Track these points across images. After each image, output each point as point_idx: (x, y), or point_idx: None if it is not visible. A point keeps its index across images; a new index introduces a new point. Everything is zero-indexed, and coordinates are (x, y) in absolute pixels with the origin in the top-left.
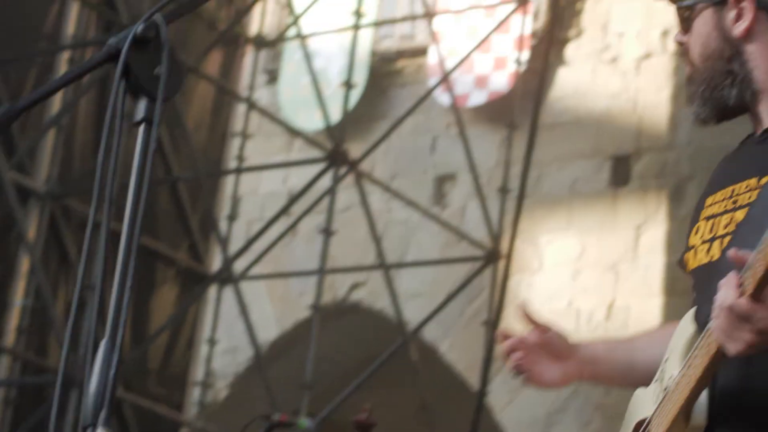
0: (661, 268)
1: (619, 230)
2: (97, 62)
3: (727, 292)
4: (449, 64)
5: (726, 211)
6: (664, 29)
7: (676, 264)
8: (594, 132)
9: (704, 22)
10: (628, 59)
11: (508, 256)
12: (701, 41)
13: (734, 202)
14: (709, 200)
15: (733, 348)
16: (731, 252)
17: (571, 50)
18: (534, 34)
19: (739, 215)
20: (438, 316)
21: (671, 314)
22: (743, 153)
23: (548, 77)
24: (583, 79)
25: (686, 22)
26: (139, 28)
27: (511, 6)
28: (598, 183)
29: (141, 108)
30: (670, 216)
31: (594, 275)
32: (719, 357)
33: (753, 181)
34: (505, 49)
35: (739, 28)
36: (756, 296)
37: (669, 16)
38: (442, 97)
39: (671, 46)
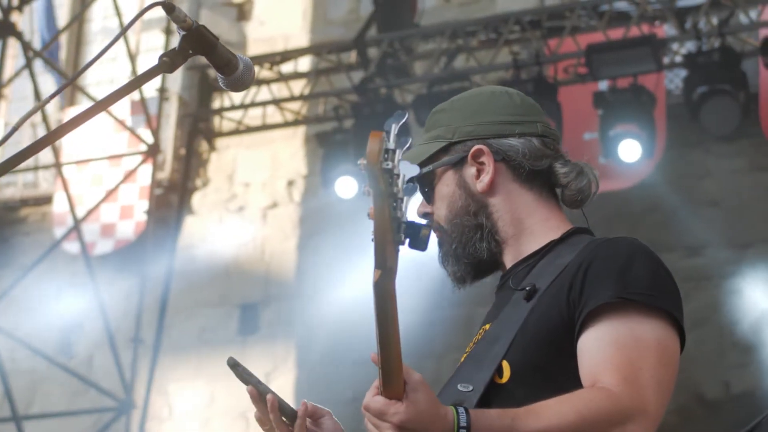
0: None
1: None
2: None
3: (367, 395)
4: (75, 213)
5: (472, 345)
6: (289, 179)
7: None
8: (222, 280)
9: (446, 183)
10: (255, 209)
11: (145, 406)
12: (447, 203)
13: (474, 342)
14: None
15: None
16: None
17: (197, 199)
18: (160, 184)
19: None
20: None
21: None
22: (497, 296)
23: (176, 226)
24: (211, 228)
25: (429, 190)
26: None
27: (138, 157)
28: (226, 331)
29: None
30: (299, 364)
31: (224, 423)
32: None
33: (487, 326)
34: (131, 198)
35: (482, 183)
36: (391, 393)
37: (294, 166)
38: (67, 246)
39: (297, 196)
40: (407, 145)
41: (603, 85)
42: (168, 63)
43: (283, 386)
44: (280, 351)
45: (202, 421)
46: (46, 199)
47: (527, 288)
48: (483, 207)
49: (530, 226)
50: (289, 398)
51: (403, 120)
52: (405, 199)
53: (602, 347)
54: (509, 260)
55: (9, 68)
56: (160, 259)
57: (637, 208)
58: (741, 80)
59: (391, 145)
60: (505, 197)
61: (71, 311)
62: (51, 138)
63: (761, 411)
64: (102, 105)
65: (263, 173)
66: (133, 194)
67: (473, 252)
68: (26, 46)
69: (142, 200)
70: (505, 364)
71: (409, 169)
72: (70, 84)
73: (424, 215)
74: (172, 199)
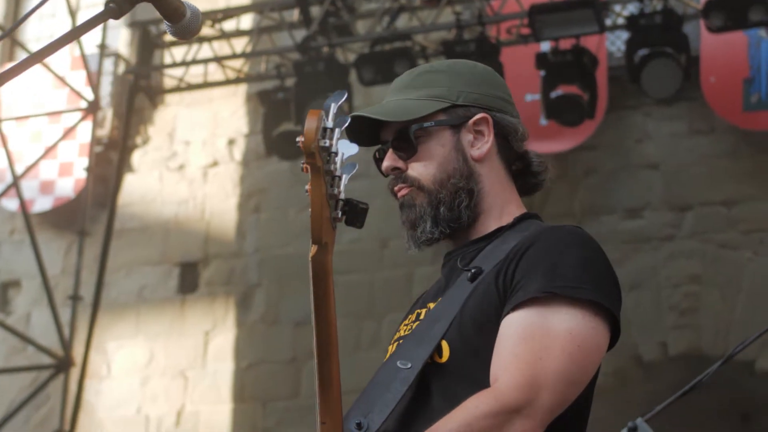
0: (230, 374)
1: (188, 337)
2: None
3: None
4: (14, 169)
5: (410, 323)
6: (229, 138)
7: None
8: (162, 239)
9: (442, 143)
10: (195, 167)
11: (84, 364)
12: (438, 162)
13: (417, 317)
14: (415, 310)
15: None
16: None
17: (137, 157)
18: (100, 141)
19: (407, 330)
20: (5, 425)
21: (240, 420)
22: (443, 275)
23: (116, 184)
24: (151, 186)
25: (413, 145)
26: None
27: (78, 113)
28: (166, 290)
29: None
30: (238, 323)
31: (163, 382)
32: None
33: (431, 305)
34: (70, 156)
35: (479, 151)
36: (324, 372)
37: (235, 125)
38: (5, 203)
39: (237, 155)
40: (346, 123)
41: (545, 46)
42: (115, 9)
43: (223, 345)
44: (220, 310)
45: (141, 380)
46: None
47: (473, 270)
48: (473, 174)
49: (499, 205)
50: (228, 357)
51: (342, 99)
52: (344, 177)
53: (510, 340)
54: (470, 235)
55: None
56: (100, 216)
57: (577, 171)
58: (683, 43)
59: (330, 123)
60: (490, 170)
61: (9, 268)
62: None
63: (698, 372)
64: (48, 50)
65: (203, 131)
66: (73, 151)
67: (458, 216)
68: None
69: (82, 157)
70: (445, 344)
71: (348, 148)
72: (6, 36)
73: (393, 169)
74: (111, 157)
